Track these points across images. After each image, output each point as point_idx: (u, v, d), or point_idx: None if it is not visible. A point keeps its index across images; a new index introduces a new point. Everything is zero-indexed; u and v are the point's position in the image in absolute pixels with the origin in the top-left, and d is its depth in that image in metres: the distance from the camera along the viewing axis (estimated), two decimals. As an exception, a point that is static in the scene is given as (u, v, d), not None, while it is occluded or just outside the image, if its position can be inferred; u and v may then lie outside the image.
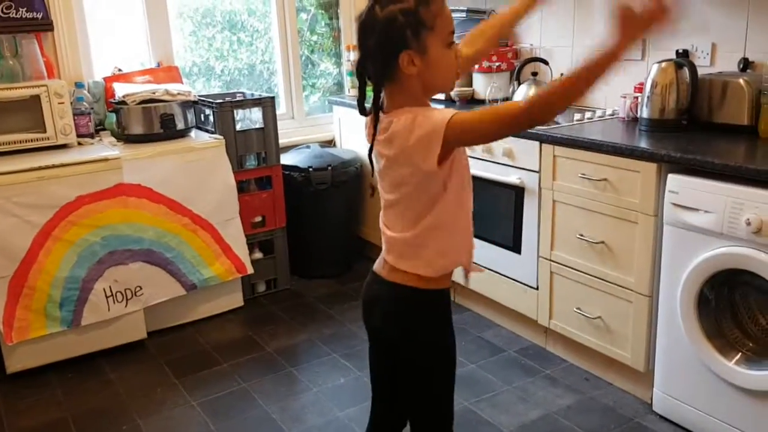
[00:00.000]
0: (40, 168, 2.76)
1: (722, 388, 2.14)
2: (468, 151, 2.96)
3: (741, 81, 2.40)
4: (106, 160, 2.88)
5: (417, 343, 1.51)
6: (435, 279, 1.48)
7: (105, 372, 2.88)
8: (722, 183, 2.05)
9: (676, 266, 2.20)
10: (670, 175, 2.19)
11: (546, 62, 3.20)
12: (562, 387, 2.62)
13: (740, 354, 2.13)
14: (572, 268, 2.61)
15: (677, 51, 2.68)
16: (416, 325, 1.51)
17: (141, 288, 2.99)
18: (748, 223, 1.96)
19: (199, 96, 3.43)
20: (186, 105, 3.22)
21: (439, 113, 1.34)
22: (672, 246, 2.22)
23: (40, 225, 2.75)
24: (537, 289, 2.79)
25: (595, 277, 2.52)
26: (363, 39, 1.39)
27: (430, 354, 1.52)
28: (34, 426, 2.53)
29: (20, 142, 2.91)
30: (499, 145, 2.82)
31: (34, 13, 3.06)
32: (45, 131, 2.95)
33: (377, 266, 1.57)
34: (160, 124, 3.12)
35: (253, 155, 3.46)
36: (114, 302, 2.92)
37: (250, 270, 3.33)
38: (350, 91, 3.99)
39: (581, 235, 2.54)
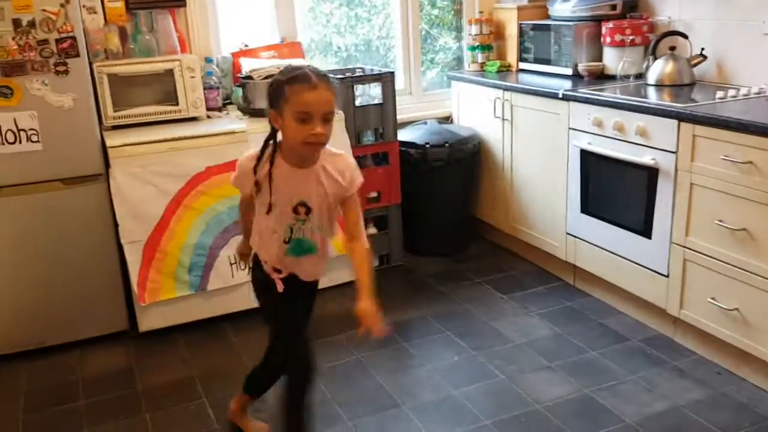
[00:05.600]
0: (173, 139, 2.89)
1: None
2: (597, 129, 2.84)
3: None
4: (233, 132, 2.97)
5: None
6: None
7: (228, 335, 3.00)
8: None
9: (833, 258, 2.02)
10: (829, 158, 2.00)
11: (685, 36, 3.00)
12: (691, 380, 2.48)
13: None
14: (708, 256, 2.45)
15: (840, 22, 2.43)
16: None
17: (262, 257, 3.08)
18: None
19: (320, 71, 3.47)
20: (308, 80, 3.26)
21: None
22: (829, 236, 2.03)
23: (173, 193, 2.88)
24: (667, 276, 2.64)
25: (735, 266, 2.36)
26: None
27: None
28: (164, 382, 2.67)
29: (155, 114, 3.06)
30: (633, 123, 2.68)
31: (169, -10, 3.19)
32: (177, 104, 3.08)
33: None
34: (283, 99, 3.18)
35: (371, 131, 3.47)
36: (237, 269, 3.03)
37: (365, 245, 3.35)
38: (470, 66, 3.92)
39: (720, 221, 2.37)
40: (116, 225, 2.84)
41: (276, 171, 1.88)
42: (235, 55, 3.47)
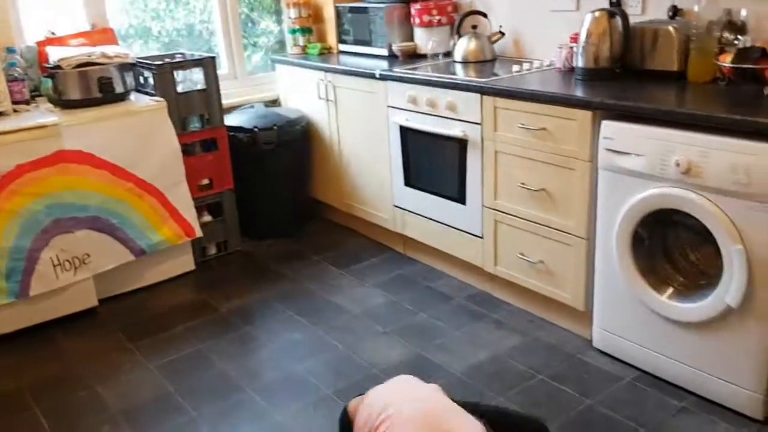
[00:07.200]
0: (-26, 137, 2.68)
1: (656, 322, 2.28)
2: (413, 106, 3.00)
3: (670, 28, 2.48)
4: (44, 126, 2.81)
5: None
6: None
7: (58, 341, 2.86)
8: (654, 127, 2.15)
9: (612, 209, 2.31)
10: (604, 122, 2.27)
11: (485, 15, 3.24)
12: (507, 329, 2.74)
13: (672, 289, 2.26)
14: (515, 216, 2.71)
15: (610, 0, 2.75)
16: None
17: (89, 255, 2.96)
18: (678, 165, 2.07)
19: (138, 58, 3.36)
20: (124, 68, 3.15)
21: None
22: (607, 190, 2.32)
23: (-20, 196, 2.68)
24: (482, 237, 2.88)
25: (537, 223, 2.62)
26: None
27: None
28: (-12, 398, 2.52)
29: (-49, 111, 2.82)
30: (443, 99, 2.86)
31: (-44, -24, 2.93)
32: (-23, 99, 2.85)
33: None
34: (98, 88, 3.05)
35: (197, 117, 3.42)
36: (62, 271, 2.89)
37: (198, 233, 3.33)
38: (292, 49, 3.95)
39: (523, 184, 2.63)
40: None
41: None
42: (41, 44, 3.25)
